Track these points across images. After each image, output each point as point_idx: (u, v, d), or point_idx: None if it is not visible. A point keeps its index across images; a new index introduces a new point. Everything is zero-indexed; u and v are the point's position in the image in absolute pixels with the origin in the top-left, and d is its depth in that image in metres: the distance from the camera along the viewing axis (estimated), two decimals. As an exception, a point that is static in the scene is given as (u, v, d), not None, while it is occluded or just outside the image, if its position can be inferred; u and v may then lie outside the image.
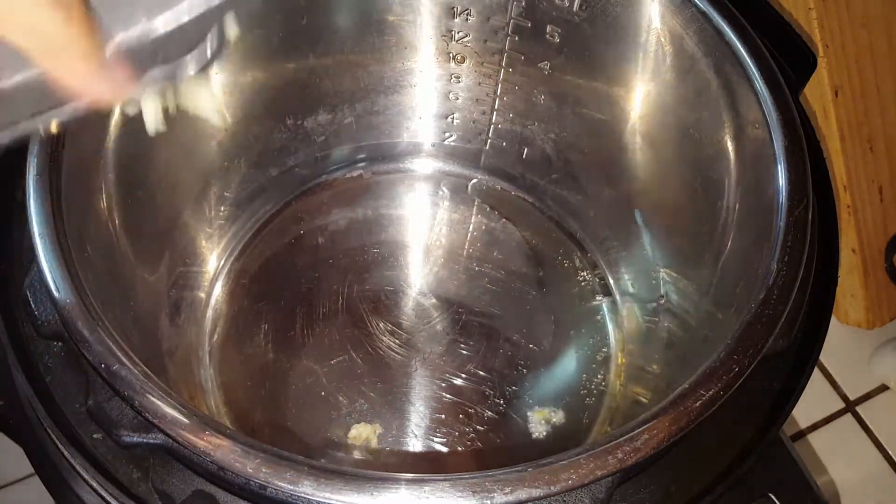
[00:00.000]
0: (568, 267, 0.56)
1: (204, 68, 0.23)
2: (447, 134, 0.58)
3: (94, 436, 0.34)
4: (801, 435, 0.64)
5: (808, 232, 0.35)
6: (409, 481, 0.27)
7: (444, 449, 0.48)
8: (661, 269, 0.49)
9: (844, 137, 0.59)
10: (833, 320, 0.63)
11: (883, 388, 0.66)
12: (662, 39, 0.43)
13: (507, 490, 0.27)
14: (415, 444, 0.48)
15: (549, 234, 0.57)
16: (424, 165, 0.59)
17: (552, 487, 0.28)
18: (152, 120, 0.24)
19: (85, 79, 0.21)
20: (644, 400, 0.48)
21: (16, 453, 0.39)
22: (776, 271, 0.34)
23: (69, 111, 0.22)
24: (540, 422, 0.49)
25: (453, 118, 0.57)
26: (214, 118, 0.24)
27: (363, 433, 0.47)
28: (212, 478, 0.31)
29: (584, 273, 0.55)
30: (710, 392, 0.30)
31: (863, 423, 0.64)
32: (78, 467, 0.34)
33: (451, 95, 0.55)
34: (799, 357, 0.38)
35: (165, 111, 0.24)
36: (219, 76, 0.48)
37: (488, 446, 0.48)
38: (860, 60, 0.59)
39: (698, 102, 0.43)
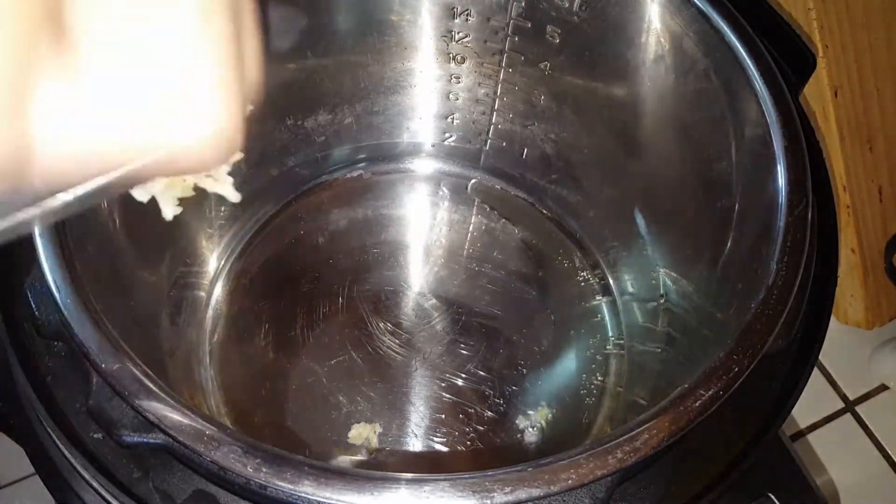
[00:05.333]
0: (568, 267, 0.56)
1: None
2: (447, 134, 0.58)
3: (95, 436, 0.34)
4: (800, 435, 0.64)
5: (807, 232, 0.35)
6: (409, 481, 0.27)
7: (444, 448, 0.48)
8: (661, 269, 0.49)
9: (844, 137, 0.59)
10: (832, 320, 0.63)
11: (882, 387, 0.66)
12: (662, 40, 0.43)
13: (507, 490, 0.27)
14: (415, 444, 0.48)
15: (549, 234, 0.57)
16: (424, 165, 0.59)
17: (552, 487, 0.28)
18: (169, 209, 0.23)
19: None
20: (644, 400, 0.48)
21: (16, 453, 0.39)
22: (776, 271, 0.34)
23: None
24: (540, 421, 0.49)
25: (453, 118, 0.57)
26: (233, 196, 0.23)
27: (363, 433, 0.47)
28: (212, 477, 0.31)
29: (584, 273, 0.55)
30: (710, 392, 0.30)
31: (862, 423, 0.64)
32: (78, 467, 0.34)
33: (451, 96, 0.55)
34: (798, 357, 0.38)
35: (181, 198, 0.23)
36: (219, 76, 0.48)
37: (488, 446, 0.48)
38: (860, 61, 0.59)
39: (698, 102, 0.43)
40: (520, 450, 0.48)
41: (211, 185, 0.22)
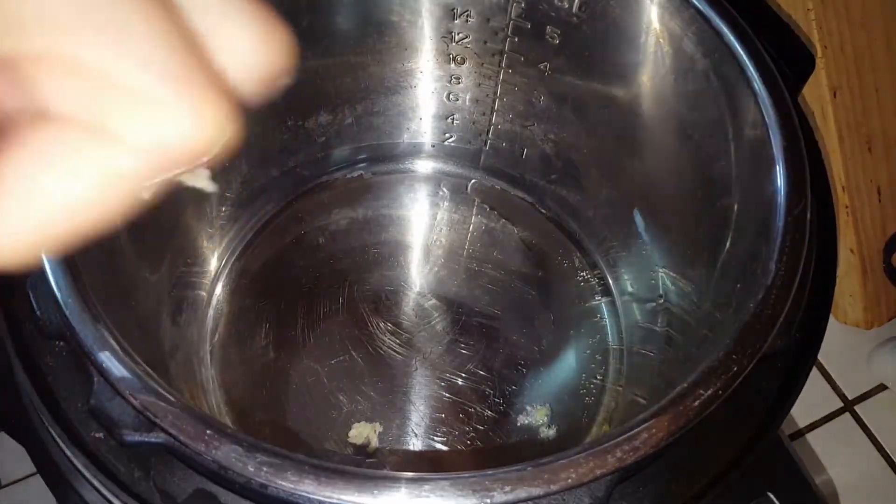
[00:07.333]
0: (567, 267, 0.56)
1: None
2: (447, 135, 0.58)
3: (96, 435, 0.34)
4: (799, 434, 0.64)
5: (806, 232, 0.35)
6: (409, 480, 0.28)
7: (444, 448, 0.48)
8: (660, 269, 0.49)
9: (843, 138, 0.59)
10: (831, 320, 0.63)
11: (881, 387, 0.66)
12: (661, 40, 0.43)
13: (507, 489, 0.27)
14: (415, 443, 0.48)
15: (549, 234, 0.57)
16: (425, 166, 0.59)
17: (552, 486, 0.28)
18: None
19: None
20: (643, 399, 0.48)
21: (18, 453, 0.39)
22: (775, 271, 0.34)
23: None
24: (539, 421, 0.49)
25: (453, 119, 0.57)
26: (208, 186, 0.23)
27: (364, 432, 0.47)
28: (213, 477, 0.31)
29: (584, 273, 0.55)
30: (709, 391, 0.31)
31: (861, 423, 0.65)
32: (80, 466, 0.34)
33: (451, 96, 0.55)
34: (797, 357, 0.38)
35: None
36: (219, 77, 0.48)
37: (488, 445, 0.48)
38: (858, 61, 0.59)
39: (697, 103, 0.43)
40: (519, 449, 0.48)
41: (187, 177, 0.21)
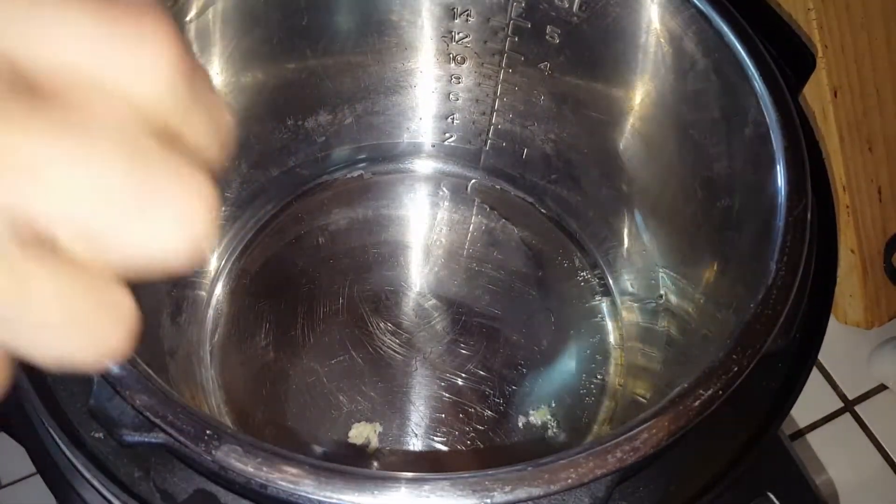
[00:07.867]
0: (568, 267, 0.56)
1: None
2: (447, 134, 0.58)
3: (96, 435, 0.34)
4: (799, 434, 0.64)
5: (807, 232, 0.35)
6: (409, 480, 0.28)
7: (445, 448, 0.48)
8: (661, 269, 0.49)
9: (843, 138, 0.59)
10: (832, 320, 0.63)
11: (881, 387, 0.66)
12: (662, 40, 0.43)
13: (507, 489, 0.27)
14: (415, 444, 0.48)
15: (549, 234, 0.57)
16: (425, 166, 0.59)
17: (552, 486, 0.28)
18: None
19: None
20: (643, 399, 0.48)
21: (17, 453, 0.39)
22: (775, 271, 0.34)
23: None
24: (539, 421, 0.49)
25: (453, 119, 0.57)
26: None
27: (364, 432, 0.47)
28: (213, 477, 0.31)
29: (584, 273, 0.55)
30: (710, 391, 0.31)
31: (861, 423, 0.65)
32: (80, 466, 0.34)
33: (451, 96, 0.55)
34: (798, 357, 0.38)
35: None
36: (219, 76, 0.48)
37: (488, 445, 0.48)
38: (859, 61, 0.59)
39: (698, 103, 0.43)
40: (519, 449, 0.48)
41: None
